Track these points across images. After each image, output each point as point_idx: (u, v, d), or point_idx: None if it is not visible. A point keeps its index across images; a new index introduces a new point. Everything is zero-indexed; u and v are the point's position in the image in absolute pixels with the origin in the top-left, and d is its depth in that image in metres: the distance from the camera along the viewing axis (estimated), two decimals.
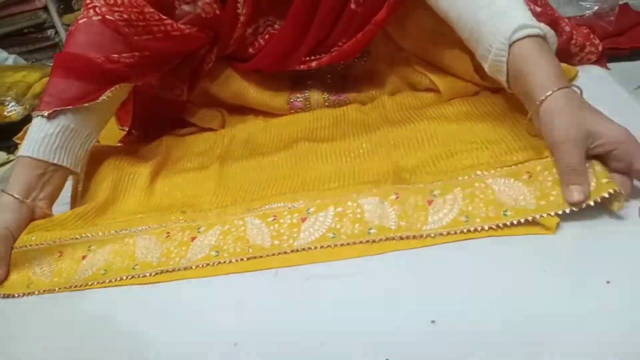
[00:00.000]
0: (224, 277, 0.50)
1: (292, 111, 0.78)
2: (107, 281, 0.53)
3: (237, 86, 0.78)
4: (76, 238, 0.58)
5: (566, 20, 0.73)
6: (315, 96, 0.77)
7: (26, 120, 1.01)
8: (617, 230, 0.45)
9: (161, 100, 0.78)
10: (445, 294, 0.42)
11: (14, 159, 0.98)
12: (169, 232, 0.55)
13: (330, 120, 0.73)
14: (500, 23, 0.52)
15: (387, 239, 0.48)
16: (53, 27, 1.80)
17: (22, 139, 0.94)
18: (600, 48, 0.74)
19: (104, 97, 0.64)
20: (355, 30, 0.69)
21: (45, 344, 0.47)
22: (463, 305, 0.41)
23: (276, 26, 0.73)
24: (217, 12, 0.70)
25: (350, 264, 0.48)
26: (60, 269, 0.56)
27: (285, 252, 0.50)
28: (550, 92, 0.48)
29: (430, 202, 0.50)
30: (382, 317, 0.42)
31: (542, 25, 0.52)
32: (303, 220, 0.52)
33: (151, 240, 0.55)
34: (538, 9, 0.69)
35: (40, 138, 0.61)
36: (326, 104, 0.77)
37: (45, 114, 0.61)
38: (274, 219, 0.53)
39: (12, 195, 0.59)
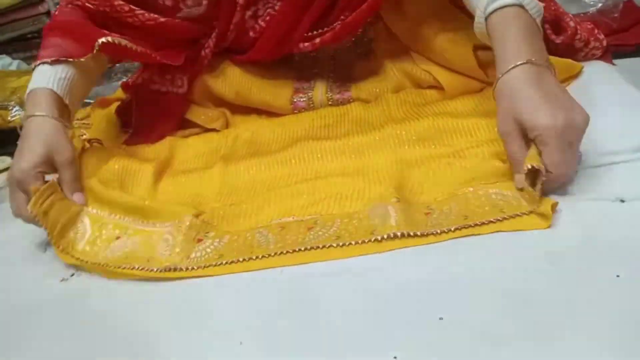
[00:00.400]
0: (229, 275, 0.50)
1: (295, 111, 0.77)
2: (121, 267, 0.53)
3: (240, 86, 0.77)
4: (117, 216, 0.60)
5: (570, 15, 0.72)
6: (319, 95, 0.77)
7: None
8: (628, 225, 0.45)
9: (163, 99, 0.78)
10: (453, 291, 0.42)
11: None
12: (180, 226, 0.56)
13: (334, 118, 0.72)
14: None
15: (389, 236, 0.48)
16: None
17: None
18: (604, 43, 0.73)
19: (103, 40, 0.65)
20: (358, 4, 0.69)
21: (47, 343, 0.47)
22: (471, 301, 0.41)
23: (277, 8, 0.72)
24: (205, 1, 0.71)
25: (356, 261, 0.48)
26: (94, 240, 0.57)
27: (289, 252, 0.50)
28: (501, 75, 0.50)
29: (428, 214, 0.51)
30: (390, 314, 0.41)
31: None
32: (309, 229, 0.52)
33: (169, 238, 0.56)
34: (541, 4, 0.69)
35: (57, 78, 0.63)
36: (329, 102, 0.77)
37: (49, 61, 0.64)
38: (281, 229, 0.53)
39: (60, 121, 0.62)
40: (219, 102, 0.81)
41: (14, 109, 1.10)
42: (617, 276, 0.40)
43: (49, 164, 0.60)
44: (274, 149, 0.69)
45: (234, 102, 0.80)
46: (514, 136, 0.49)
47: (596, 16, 1.01)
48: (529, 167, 0.46)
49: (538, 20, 0.54)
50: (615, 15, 0.99)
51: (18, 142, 0.63)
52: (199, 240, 0.54)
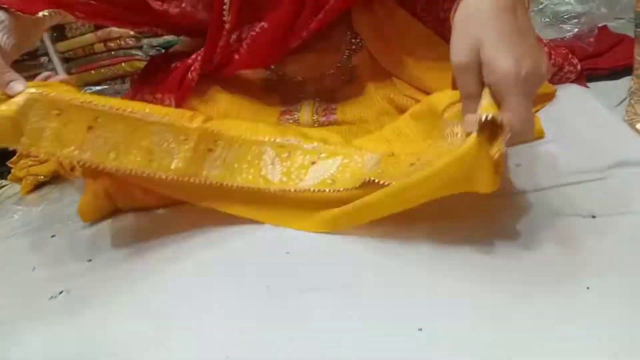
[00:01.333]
0: (214, 290, 0.51)
1: None
2: (114, 169, 0.50)
3: (226, 108, 0.79)
4: (81, 102, 0.50)
5: (545, 41, 0.75)
6: (305, 117, 0.79)
7: None
8: (598, 240, 0.47)
9: None
10: (431, 302, 0.43)
11: (6, 184, 0.98)
12: (187, 137, 0.53)
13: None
14: None
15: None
16: (47, 54, 1.82)
17: (15, 163, 0.94)
18: (578, 68, 0.77)
19: (41, 14, 0.61)
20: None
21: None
22: (449, 313, 0.42)
23: (257, 30, 0.74)
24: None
25: (335, 276, 0.49)
26: (60, 132, 0.49)
27: (290, 190, 0.54)
28: None
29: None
30: (369, 325, 0.42)
31: None
32: (313, 163, 0.56)
33: (164, 136, 0.52)
34: None
35: None
36: (315, 125, 0.79)
37: None
38: (288, 156, 0.56)
39: None
40: None
41: None
42: (587, 288, 0.41)
43: None
44: None
45: None
46: (473, 70, 0.42)
47: (573, 41, 1.05)
48: (486, 117, 0.39)
49: None
50: (591, 40, 1.03)
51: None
52: (210, 150, 0.55)
